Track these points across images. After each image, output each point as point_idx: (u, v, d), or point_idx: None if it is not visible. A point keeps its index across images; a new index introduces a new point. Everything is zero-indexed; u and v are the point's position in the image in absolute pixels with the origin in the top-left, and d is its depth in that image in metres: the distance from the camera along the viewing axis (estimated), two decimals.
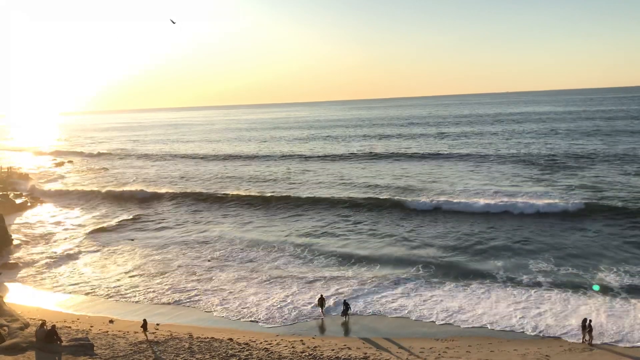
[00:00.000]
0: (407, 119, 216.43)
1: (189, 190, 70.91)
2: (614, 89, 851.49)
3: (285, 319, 29.91)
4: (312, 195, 63.08)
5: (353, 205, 57.59)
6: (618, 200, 50.95)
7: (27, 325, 25.95)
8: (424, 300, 31.21)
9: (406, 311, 29.97)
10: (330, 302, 31.01)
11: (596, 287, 31.64)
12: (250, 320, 29.90)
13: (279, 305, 31.47)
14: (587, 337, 24.93)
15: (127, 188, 75.20)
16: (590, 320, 25.21)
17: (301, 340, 26.41)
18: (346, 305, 29.28)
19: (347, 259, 39.57)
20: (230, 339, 26.43)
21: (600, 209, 48.74)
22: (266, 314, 30.46)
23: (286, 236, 47.29)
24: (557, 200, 52.22)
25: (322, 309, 30.16)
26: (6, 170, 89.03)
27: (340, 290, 33.12)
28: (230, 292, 33.96)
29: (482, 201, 54.22)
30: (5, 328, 24.65)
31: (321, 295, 30.76)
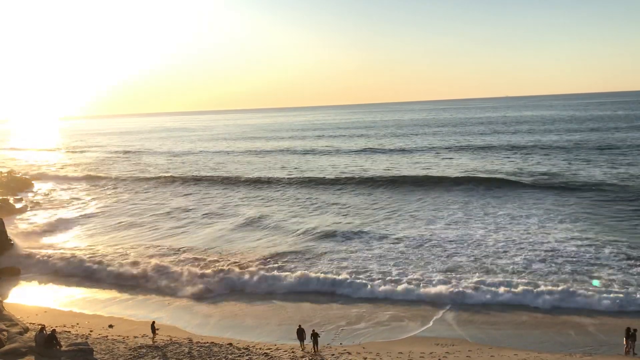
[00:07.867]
0: (404, 126, 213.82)
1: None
2: (617, 93, 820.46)
3: None
4: None
5: None
6: None
7: (26, 330, 25.87)
8: None
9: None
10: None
11: (595, 283, 32.23)
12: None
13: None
14: (628, 345, 24.06)
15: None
16: (635, 330, 23.83)
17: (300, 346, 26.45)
18: (315, 335, 25.81)
19: None
20: (230, 344, 26.44)
21: None
22: None
23: None
24: None
25: (301, 342, 26.38)
26: (6, 174, 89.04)
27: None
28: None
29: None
30: (5, 333, 24.58)
31: (299, 326, 26.88)
